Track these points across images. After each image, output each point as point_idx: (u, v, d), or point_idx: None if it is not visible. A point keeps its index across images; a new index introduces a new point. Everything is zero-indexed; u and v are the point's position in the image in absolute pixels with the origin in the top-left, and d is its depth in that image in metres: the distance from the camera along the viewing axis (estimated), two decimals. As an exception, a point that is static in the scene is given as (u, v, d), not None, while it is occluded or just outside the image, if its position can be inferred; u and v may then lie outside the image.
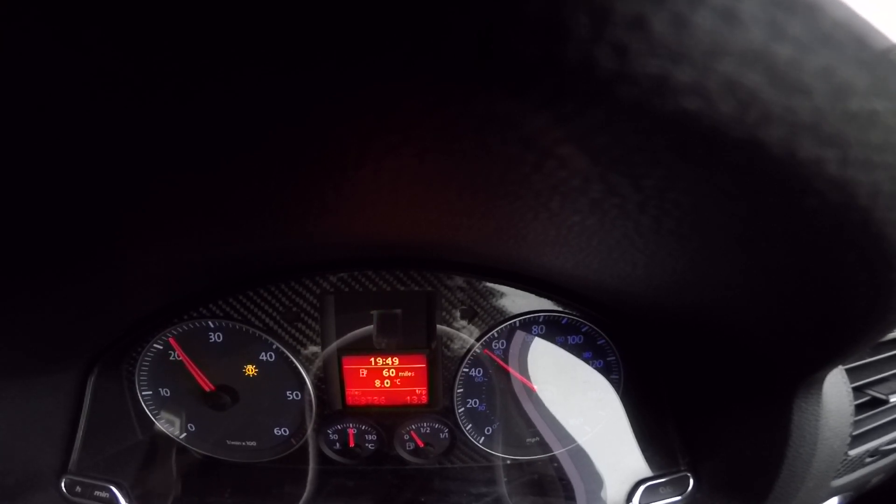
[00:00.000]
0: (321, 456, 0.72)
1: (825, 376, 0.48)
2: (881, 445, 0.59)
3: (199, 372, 0.68)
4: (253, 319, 0.67)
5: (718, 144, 0.25)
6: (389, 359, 0.69)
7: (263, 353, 0.68)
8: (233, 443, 0.72)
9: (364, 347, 0.69)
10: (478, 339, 0.69)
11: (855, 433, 0.54)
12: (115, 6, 0.18)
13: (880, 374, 0.59)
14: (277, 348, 0.68)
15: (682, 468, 0.64)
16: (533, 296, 0.69)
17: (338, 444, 0.72)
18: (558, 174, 0.32)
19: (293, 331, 0.68)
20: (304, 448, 0.71)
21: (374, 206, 0.42)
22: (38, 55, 0.20)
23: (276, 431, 0.72)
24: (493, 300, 0.69)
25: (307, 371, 0.69)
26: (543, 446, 0.72)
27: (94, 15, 0.19)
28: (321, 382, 0.69)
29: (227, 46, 0.21)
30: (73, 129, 0.26)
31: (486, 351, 0.70)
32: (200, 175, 0.34)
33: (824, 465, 0.53)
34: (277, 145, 0.30)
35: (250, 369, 0.69)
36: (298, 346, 0.69)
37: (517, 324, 0.69)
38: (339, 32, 0.20)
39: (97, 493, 0.62)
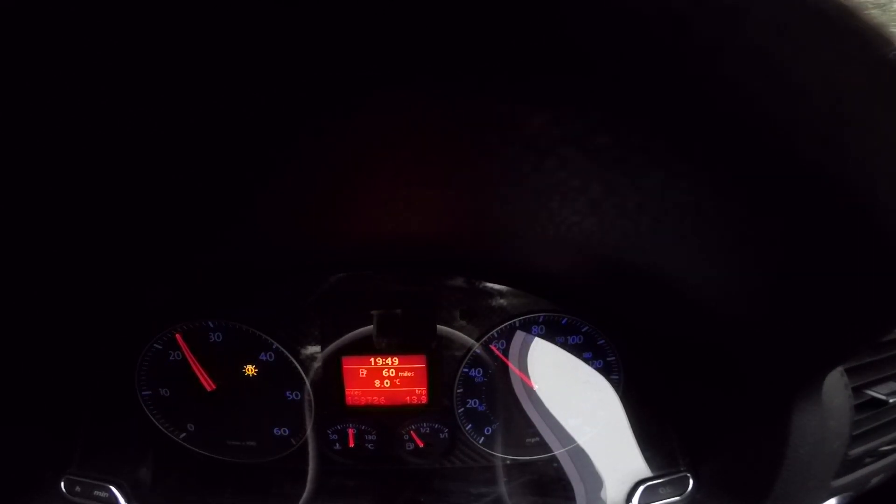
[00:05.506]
0: (321, 456, 0.72)
1: (825, 377, 0.48)
2: (881, 445, 0.58)
3: (202, 370, 0.68)
4: (253, 319, 0.67)
5: (717, 143, 0.25)
6: (389, 359, 0.69)
7: (263, 353, 0.68)
8: (233, 443, 0.72)
9: (364, 347, 0.68)
10: (478, 339, 0.69)
11: (855, 433, 0.54)
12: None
13: (880, 374, 0.58)
14: (277, 348, 0.68)
15: (682, 468, 0.64)
16: (533, 296, 0.69)
17: (338, 444, 0.72)
18: (558, 174, 0.32)
19: (293, 331, 0.68)
20: (304, 448, 0.71)
21: (374, 206, 0.42)
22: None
23: (276, 431, 0.72)
24: (493, 300, 0.69)
25: (307, 371, 0.69)
26: (543, 446, 0.72)
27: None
28: (321, 382, 0.69)
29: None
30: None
31: (493, 347, 0.70)
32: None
33: (824, 465, 0.53)
34: (292, 150, 0.31)
35: (250, 369, 0.69)
36: (298, 346, 0.69)
37: (517, 324, 0.69)
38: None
39: (97, 492, 0.62)
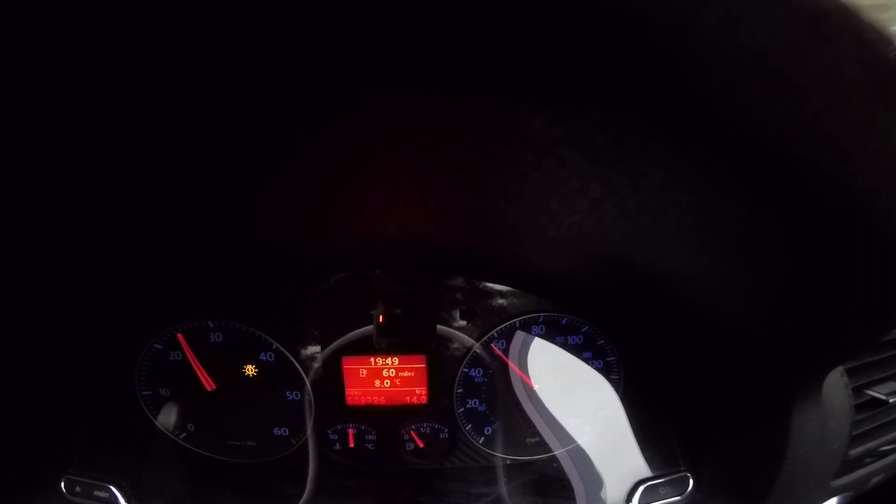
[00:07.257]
0: (321, 456, 0.72)
1: (825, 377, 0.48)
2: (881, 445, 0.58)
3: (202, 370, 0.68)
4: (253, 319, 0.67)
5: (717, 144, 0.25)
6: (389, 359, 0.69)
7: (263, 353, 0.68)
8: (233, 443, 0.72)
9: (364, 347, 0.68)
10: (478, 339, 0.69)
11: (855, 433, 0.54)
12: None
13: (880, 374, 0.58)
14: (277, 348, 0.68)
15: (682, 468, 0.64)
16: (533, 296, 0.69)
17: (338, 444, 0.72)
18: (558, 174, 0.32)
19: (293, 331, 0.68)
20: (304, 448, 0.71)
21: (374, 206, 0.42)
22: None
23: (276, 431, 0.72)
24: (493, 300, 0.69)
25: (307, 371, 0.69)
26: (543, 446, 0.72)
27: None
28: (321, 382, 0.69)
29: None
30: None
31: (493, 346, 0.70)
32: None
33: (824, 465, 0.53)
34: (292, 150, 0.31)
35: (250, 369, 0.69)
36: (298, 346, 0.68)
37: (517, 324, 0.69)
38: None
39: (97, 492, 0.62)
